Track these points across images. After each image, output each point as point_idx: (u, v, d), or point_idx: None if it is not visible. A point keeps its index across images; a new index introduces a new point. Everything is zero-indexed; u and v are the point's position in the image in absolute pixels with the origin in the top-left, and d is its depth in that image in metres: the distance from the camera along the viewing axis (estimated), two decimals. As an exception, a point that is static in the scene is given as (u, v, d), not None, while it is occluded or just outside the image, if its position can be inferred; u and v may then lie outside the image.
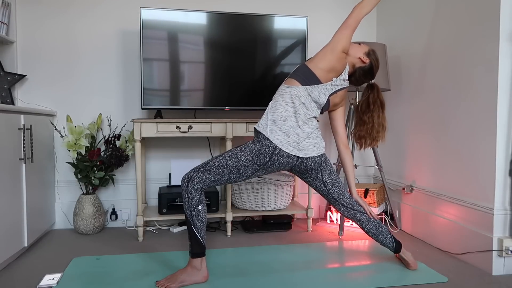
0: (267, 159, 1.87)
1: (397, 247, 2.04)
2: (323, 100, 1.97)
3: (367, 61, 2.05)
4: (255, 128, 1.94)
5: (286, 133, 1.88)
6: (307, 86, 1.93)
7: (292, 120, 1.90)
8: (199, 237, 1.83)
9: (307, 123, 1.93)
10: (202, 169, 1.86)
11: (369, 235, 2.06)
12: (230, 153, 1.89)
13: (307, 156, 1.91)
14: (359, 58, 2.05)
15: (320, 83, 1.94)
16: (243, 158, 1.87)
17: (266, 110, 1.95)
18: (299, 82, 1.93)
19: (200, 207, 1.83)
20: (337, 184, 2.03)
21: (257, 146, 1.87)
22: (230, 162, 1.86)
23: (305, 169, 1.97)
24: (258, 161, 1.87)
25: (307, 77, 1.93)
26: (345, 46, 1.94)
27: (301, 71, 1.95)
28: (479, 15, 2.08)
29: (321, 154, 1.97)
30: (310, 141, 1.93)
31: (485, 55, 2.04)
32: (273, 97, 2.00)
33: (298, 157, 1.90)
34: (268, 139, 1.86)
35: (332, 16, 3.10)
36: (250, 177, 1.94)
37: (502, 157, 1.99)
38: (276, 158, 1.87)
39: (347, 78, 2.05)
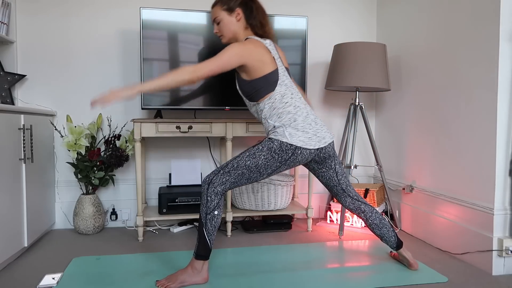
0: (289, 154, 1.84)
1: (398, 243, 2.03)
2: (286, 71, 1.98)
3: (238, 13, 1.95)
4: (270, 138, 1.88)
5: (304, 130, 1.86)
6: (278, 83, 1.90)
7: (299, 115, 1.88)
8: (207, 241, 1.81)
9: (306, 106, 1.93)
10: (221, 172, 1.83)
11: (372, 228, 2.03)
12: (247, 154, 1.85)
13: (328, 144, 1.90)
14: (236, 21, 1.96)
15: (276, 68, 1.90)
16: (262, 157, 1.84)
17: (270, 124, 1.90)
18: (270, 90, 1.89)
19: (216, 212, 1.81)
20: (344, 174, 2.03)
21: (276, 143, 1.84)
22: (249, 162, 1.84)
23: (324, 157, 1.93)
24: (279, 158, 1.84)
25: (267, 83, 1.88)
26: (236, 55, 1.83)
27: (258, 86, 1.89)
28: (479, 15, 2.08)
29: None
30: (323, 128, 1.92)
31: (485, 55, 2.04)
32: (263, 117, 1.93)
33: (317, 149, 1.88)
34: (290, 143, 1.83)
35: (332, 16, 3.10)
36: (271, 175, 1.91)
37: (502, 157, 1.99)
38: (299, 152, 1.85)
39: (264, 36, 1.99)
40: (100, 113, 2.73)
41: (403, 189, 2.75)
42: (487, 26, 2.03)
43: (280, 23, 2.67)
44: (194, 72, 1.77)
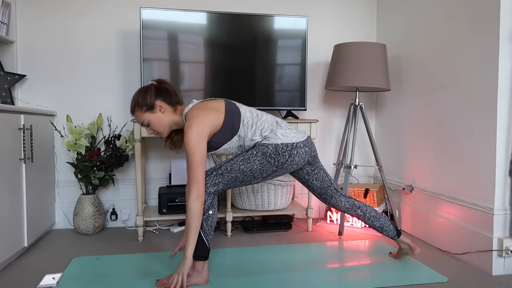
0: (287, 156, 1.85)
1: (398, 231, 2.08)
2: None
3: (159, 105, 1.87)
4: (263, 143, 1.86)
5: (289, 128, 1.92)
6: (237, 106, 1.90)
7: (274, 118, 1.95)
8: (205, 241, 1.81)
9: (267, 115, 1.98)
10: (214, 173, 1.83)
11: (372, 221, 2.06)
12: (242, 158, 1.85)
13: (308, 135, 1.97)
14: (162, 114, 1.88)
15: (223, 101, 1.91)
16: (257, 162, 1.84)
17: (256, 139, 1.87)
18: (239, 116, 1.87)
19: (211, 212, 1.81)
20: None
21: (271, 148, 1.84)
22: (243, 167, 1.84)
23: (314, 156, 1.98)
24: (276, 162, 1.85)
25: (233, 114, 1.86)
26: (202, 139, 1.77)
27: (230, 123, 1.85)
28: (479, 15, 2.08)
29: None
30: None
31: (485, 55, 2.04)
32: (246, 140, 1.88)
33: (307, 140, 1.92)
34: (286, 143, 1.86)
35: (332, 16, 3.09)
36: (267, 179, 1.92)
37: (502, 157, 1.99)
38: (295, 152, 1.86)
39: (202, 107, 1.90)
40: (100, 113, 2.73)
41: (403, 189, 2.75)
42: (487, 26, 2.03)
43: (280, 23, 2.67)
44: (199, 197, 1.72)
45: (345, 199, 2.07)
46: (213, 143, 1.88)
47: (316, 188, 2.05)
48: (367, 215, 2.06)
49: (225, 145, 1.89)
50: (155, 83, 1.92)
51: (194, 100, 1.93)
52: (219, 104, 1.88)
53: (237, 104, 1.94)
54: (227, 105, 1.89)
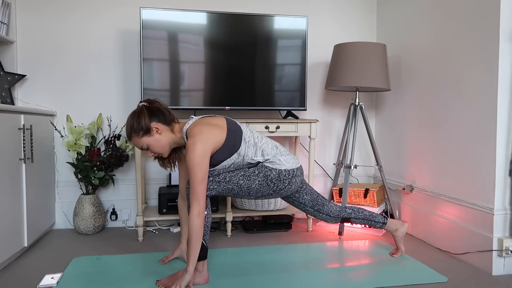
0: (286, 183, 1.87)
1: (384, 215, 2.21)
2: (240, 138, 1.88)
3: (155, 127, 1.83)
4: (267, 166, 1.86)
5: (288, 154, 1.94)
6: (239, 125, 1.90)
7: (271, 140, 1.95)
8: (202, 241, 1.82)
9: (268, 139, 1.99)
10: (211, 178, 1.82)
11: (360, 212, 2.16)
12: (242, 173, 1.84)
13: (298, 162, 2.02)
14: (159, 135, 1.85)
15: (224, 119, 1.89)
16: (257, 182, 1.84)
17: (258, 159, 1.86)
18: (241, 134, 1.85)
19: (205, 212, 1.81)
20: None
21: (274, 173, 1.85)
22: (242, 182, 1.84)
23: (303, 179, 2.03)
24: (275, 187, 1.86)
25: (235, 133, 1.84)
26: (204, 155, 1.73)
27: (232, 140, 1.83)
28: (479, 15, 2.08)
29: None
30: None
31: (485, 55, 2.04)
32: (246, 158, 1.87)
33: (301, 166, 1.97)
34: (289, 169, 1.87)
35: (332, 16, 3.09)
36: (259, 199, 1.93)
37: (502, 157, 1.99)
38: (294, 180, 1.89)
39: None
40: (100, 113, 2.73)
41: (403, 189, 2.75)
42: (487, 26, 2.03)
43: (280, 23, 2.67)
44: (199, 214, 1.70)
45: (334, 203, 2.13)
46: (213, 161, 1.85)
47: (308, 202, 2.08)
48: (355, 209, 2.15)
49: (224, 162, 1.86)
50: (146, 104, 1.88)
51: (193, 117, 1.91)
52: (221, 121, 1.87)
53: (237, 123, 1.93)
54: (229, 123, 1.88)
